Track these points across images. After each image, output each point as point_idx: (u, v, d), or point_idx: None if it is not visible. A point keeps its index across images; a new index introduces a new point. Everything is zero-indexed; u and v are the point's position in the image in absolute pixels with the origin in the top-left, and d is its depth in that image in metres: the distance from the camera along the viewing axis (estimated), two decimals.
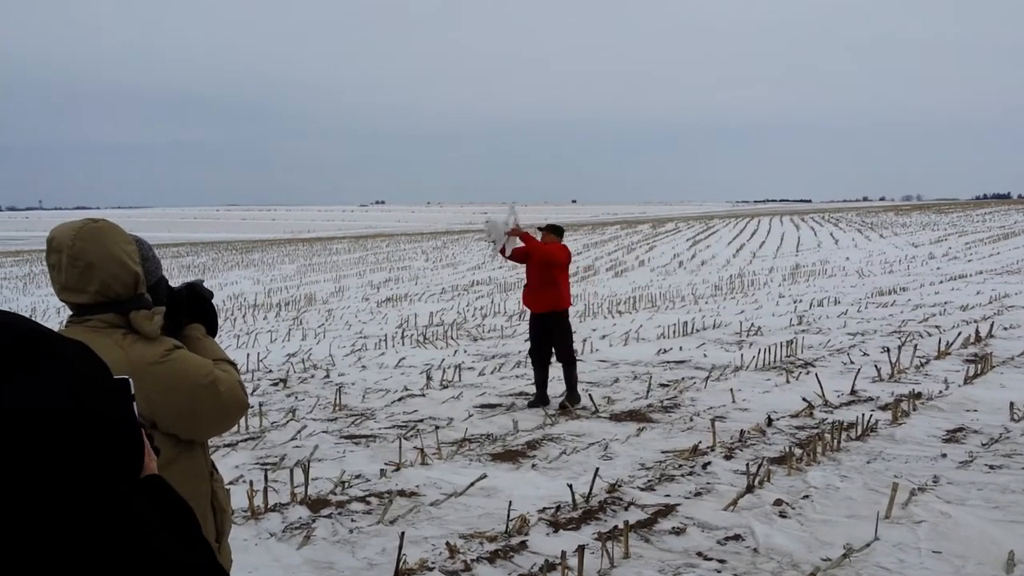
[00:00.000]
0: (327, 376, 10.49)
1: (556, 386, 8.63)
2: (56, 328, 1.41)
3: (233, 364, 2.37)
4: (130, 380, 0.99)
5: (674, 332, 13.15)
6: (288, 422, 7.90)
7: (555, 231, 8.68)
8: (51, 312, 20.38)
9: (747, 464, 5.90)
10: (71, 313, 2.19)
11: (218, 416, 2.25)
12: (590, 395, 8.46)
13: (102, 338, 2.06)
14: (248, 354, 12.37)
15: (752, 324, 13.54)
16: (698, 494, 5.50)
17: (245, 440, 7.26)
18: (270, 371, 10.97)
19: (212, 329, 2.42)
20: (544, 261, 8.23)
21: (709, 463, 6.13)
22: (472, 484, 5.65)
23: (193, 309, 2.35)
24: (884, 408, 7.65)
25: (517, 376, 9.96)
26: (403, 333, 14.65)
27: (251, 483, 5.51)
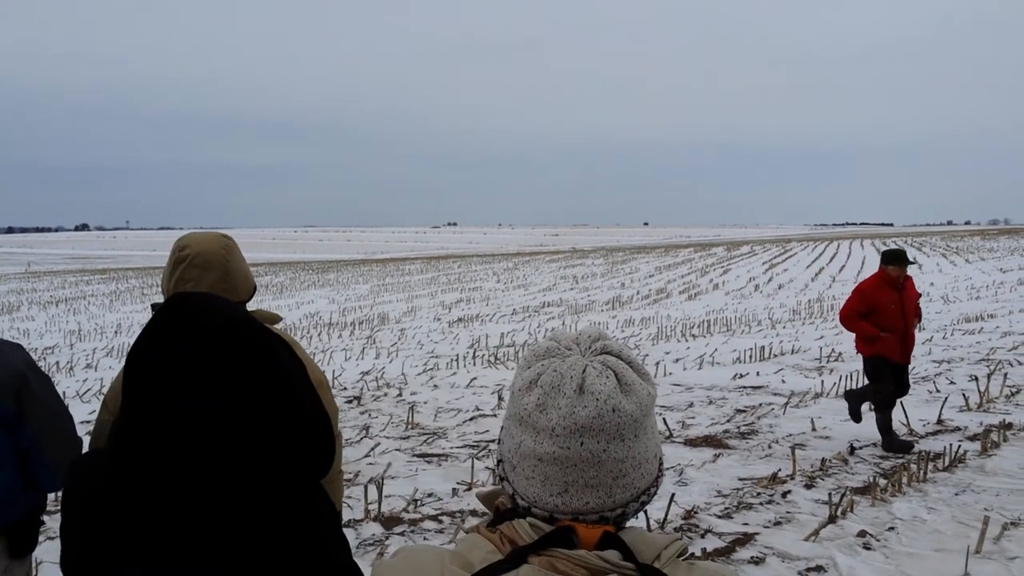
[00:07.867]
0: (400, 395, 10.58)
1: None
2: None
3: None
4: None
5: (750, 357, 12.89)
6: (362, 439, 7.99)
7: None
8: (135, 328, 21.10)
9: (829, 494, 5.73)
10: None
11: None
12: (664, 419, 8.33)
13: None
14: (323, 371, 12.55)
15: (833, 350, 13.19)
16: (778, 523, 5.37)
17: None
18: (344, 388, 11.12)
19: None
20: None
21: (789, 491, 5.98)
22: None
23: None
24: (973, 438, 7.36)
25: None
26: (475, 353, 14.70)
27: None
